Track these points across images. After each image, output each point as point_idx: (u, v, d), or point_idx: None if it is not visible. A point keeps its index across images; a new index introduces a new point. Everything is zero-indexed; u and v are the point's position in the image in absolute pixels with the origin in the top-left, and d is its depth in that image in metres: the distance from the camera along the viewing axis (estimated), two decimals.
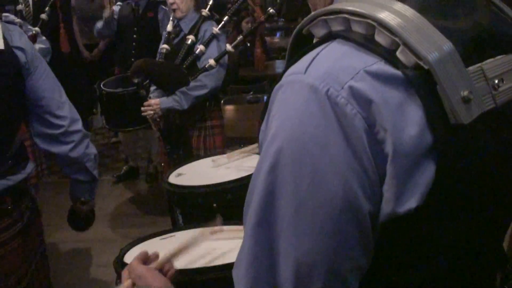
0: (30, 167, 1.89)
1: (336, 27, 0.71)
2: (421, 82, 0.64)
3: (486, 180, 0.72)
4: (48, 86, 1.86)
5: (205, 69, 3.09)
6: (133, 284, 1.04)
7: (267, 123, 0.72)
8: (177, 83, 3.10)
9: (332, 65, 0.67)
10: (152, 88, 3.31)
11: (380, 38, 0.66)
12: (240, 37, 3.22)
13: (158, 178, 4.84)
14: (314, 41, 0.76)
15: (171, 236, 1.67)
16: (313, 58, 0.69)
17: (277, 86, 0.71)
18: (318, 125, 0.65)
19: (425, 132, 0.64)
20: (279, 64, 6.12)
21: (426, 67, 0.64)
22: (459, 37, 0.67)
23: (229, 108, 4.17)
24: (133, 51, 4.74)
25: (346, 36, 0.69)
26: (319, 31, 0.74)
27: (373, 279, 0.70)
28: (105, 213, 4.32)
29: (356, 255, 0.67)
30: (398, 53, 0.65)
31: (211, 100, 3.26)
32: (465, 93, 0.65)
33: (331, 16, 0.70)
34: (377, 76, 0.65)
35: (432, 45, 0.64)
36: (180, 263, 1.18)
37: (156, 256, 1.15)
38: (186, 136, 3.27)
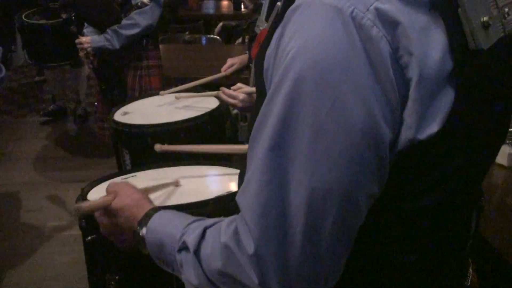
0: None
1: None
2: (443, 5, 0.63)
3: (494, 106, 0.74)
4: None
5: (138, 7, 2.91)
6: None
7: (278, 47, 0.68)
8: (109, 20, 2.92)
9: None
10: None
11: None
12: None
13: (88, 120, 4.65)
14: None
15: (133, 176, 1.60)
16: None
17: (292, 7, 0.67)
18: (342, 48, 0.62)
19: (447, 56, 0.64)
20: (212, 4, 5.97)
21: None
22: None
23: (166, 48, 4.01)
24: None
25: None
26: None
27: (381, 207, 0.69)
28: (32, 156, 4.11)
29: (372, 183, 0.66)
30: None
31: (148, 39, 3.10)
32: (485, 18, 0.65)
33: None
34: None
35: None
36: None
37: None
38: (121, 75, 3.11)
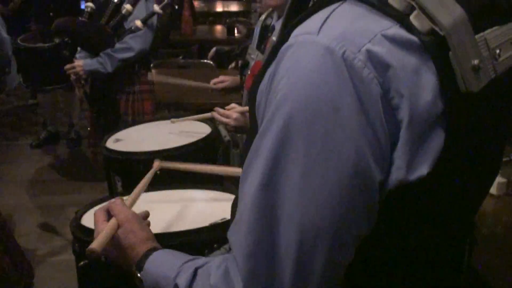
0: None
1: None
2: (434, 48, 0.64)
3: (485, 145, 0.75)
4: None
5: (131, 31, 2.94)
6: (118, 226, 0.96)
7: (271, 83, 0.69)
8: (102, 44, 2.94)
9: (348, 27, 0.64)
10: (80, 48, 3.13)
11: (395, 1, 0.64)
12: None
13: (81, 143, 4.65)
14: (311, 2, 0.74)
15: (127, 199, 1.59)
16: (326, 19, 0.66)
17: (285, 46, 0.68)
18: (333, 88, 0.63)
19: (438, 99, 0.64)
20: (206, 29, 6.03)
21: (442, 33, 0.63)
22: (465, 4, 0.66)
23: (159, 72, 4.03)
24: (51, 5, 4.50)
25: None
26: None
27: (370, 244, 0.69)
28: (23, 179, 4.10)
29: (361, 223, 0.66)
30: (412, 18, 0.64)
31: (140, 64, 3.12)
32: (476, 61, 0.65)
33: None
34: (394, 40, 0.63)
35: (446, 10, 0.63)
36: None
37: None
38: (114, 100, 3.12)
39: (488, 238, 1.52)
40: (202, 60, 4.61)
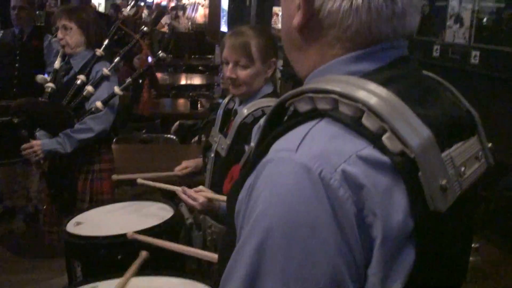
0: None
1: (323, 105, 0.72)
2: (405, 169, 0.67)
3: (453, 256, 0.78)
4: None
5: (91, 112, 2.93)
6: None
7: (250, 195, 0.71)
8: (61, 125, 2.91)
9: (324, 146, 0.68)
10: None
11: (368, 122, 0.68)
12: (128, 80, 3.07)
13: (39, 219, 4.52)
14: (288, 114, 0.78)
15: (93, 287, 1.57)
16: (304, 137, 0.69)
17: (265, 160, 0.71)
18: (310, 206, 0.65)
19: (408, 217, 0.67)
20: (169, 103, 6.10)
21: (412, 155, 0.66)
22: (432, 124, 0.70)
23: (121, 148, 4.04)
24: (15, 81, 4.52)
25: (333, 116, 0.70)
26: (303, 106, 0.74)
27: None
28: None
29: None
30: (384, 139, 0.67)
31: (100, 143, 3.08)
32: (443, 182, 0.69)
33: (320, 95, 0.72)
34: (368, 161, 0.66)
35: (415, 132, 0.67)
36: None
37: None
38: (72, 179, 3.06)
39: None
40: (165, 135, 4.65)
